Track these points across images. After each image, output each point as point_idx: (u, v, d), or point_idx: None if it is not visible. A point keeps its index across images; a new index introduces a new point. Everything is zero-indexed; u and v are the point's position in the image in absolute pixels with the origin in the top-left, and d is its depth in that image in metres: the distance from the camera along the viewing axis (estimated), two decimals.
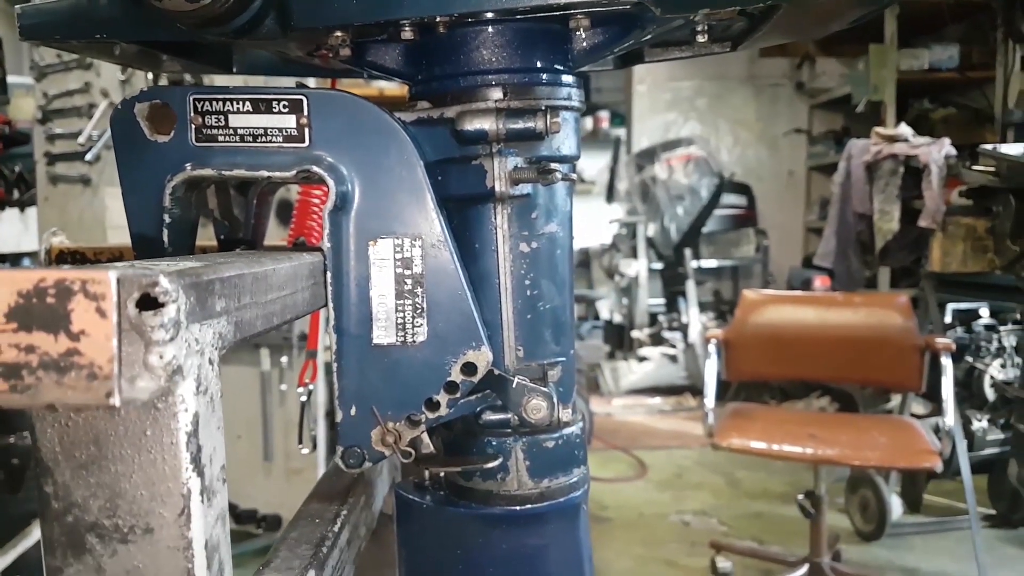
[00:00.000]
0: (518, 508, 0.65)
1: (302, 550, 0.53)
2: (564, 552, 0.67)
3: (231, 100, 0.55)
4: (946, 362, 2.45)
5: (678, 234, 5.25)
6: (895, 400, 3.32)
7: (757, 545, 2.92)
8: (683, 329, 5.01)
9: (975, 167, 2.75)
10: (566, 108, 0.61)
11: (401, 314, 0.56)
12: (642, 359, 5.07)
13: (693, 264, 5.06)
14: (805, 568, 2.53)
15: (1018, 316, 3.37)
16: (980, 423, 2.98)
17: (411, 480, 0.71)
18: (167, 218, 0.54)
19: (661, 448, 4.21)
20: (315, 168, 0.52)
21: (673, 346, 5.03)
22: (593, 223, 6.35)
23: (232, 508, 2.21)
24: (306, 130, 0.54)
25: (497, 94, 0.58)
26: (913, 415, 3.13)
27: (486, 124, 0.57)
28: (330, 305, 0.55)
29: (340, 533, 0.58)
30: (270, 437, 2.09)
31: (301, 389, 0.84)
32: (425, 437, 0.61)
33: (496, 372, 0.62)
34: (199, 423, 0.31)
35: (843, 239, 3.15)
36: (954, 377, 2.91)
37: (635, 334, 5.12)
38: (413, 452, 0.60)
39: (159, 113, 0.55)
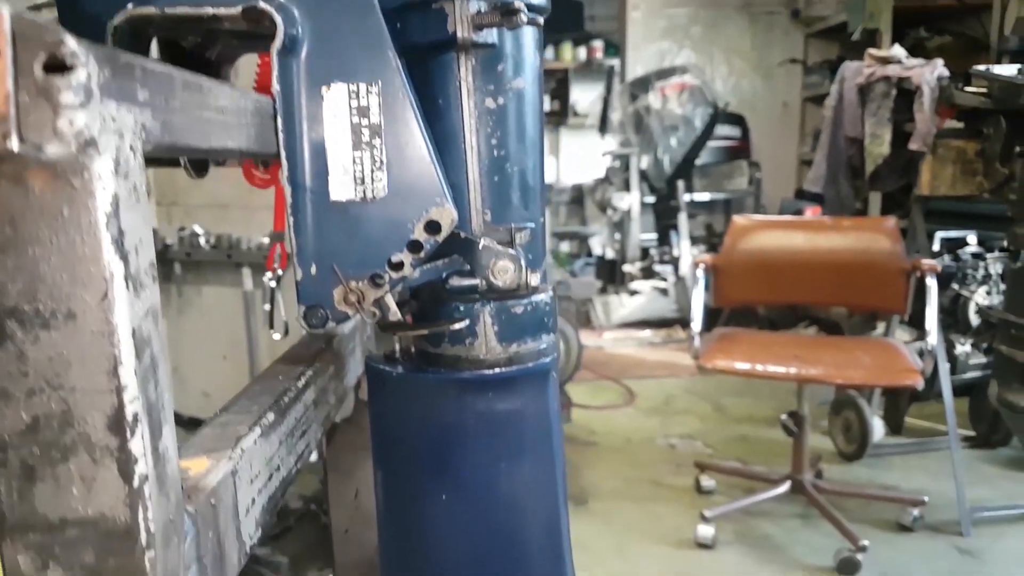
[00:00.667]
0: (486, 372, 0.64)
1: (263, 399, 0.53)
2: (533, 416, 0.67)
3: None
4: (931, 283, 2.46)
5: (671, 166, 5.21)
6: (880, 329, 3.34)
7: (740, 465, 2.98)
8: (674, 262, 5.01)
9: (967, 88, 2.72)
10: None
11: (359, 167, 0.55)
12: (633, 293, 5.09)
13: (686, 197, 5.03)
14: (787, 485, 2.59)
15: (1005, 244, 3.38)
16: (963, 347, 3.01)
17: (381, 352, 0.71)
18: None
19: (650, 377, 4.26)
20: (262, 4, 0.50)
21: (664, 279, 5.04)
22: (586, 158, 6.29)
23: None
24: None
25: None
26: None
27: None
28: (282, 155, 0.53)
29: (304, 391, 0.58)
30: (255, 357, 2.09)
31: (269, 274, 0.83)
32: (392, 304, 0.61)
33: (462, 235, 0.61)
34: (119, 205, 0.30)
35: (834, 164, 3.13)
36: (940, 304, 2.93)
37: (627, 268, 5.12)
38: (378, 312, 0.59)
39: None
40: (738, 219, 2.92)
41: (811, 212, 4.50)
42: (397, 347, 0.70)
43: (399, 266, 0.58)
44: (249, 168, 0.76)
